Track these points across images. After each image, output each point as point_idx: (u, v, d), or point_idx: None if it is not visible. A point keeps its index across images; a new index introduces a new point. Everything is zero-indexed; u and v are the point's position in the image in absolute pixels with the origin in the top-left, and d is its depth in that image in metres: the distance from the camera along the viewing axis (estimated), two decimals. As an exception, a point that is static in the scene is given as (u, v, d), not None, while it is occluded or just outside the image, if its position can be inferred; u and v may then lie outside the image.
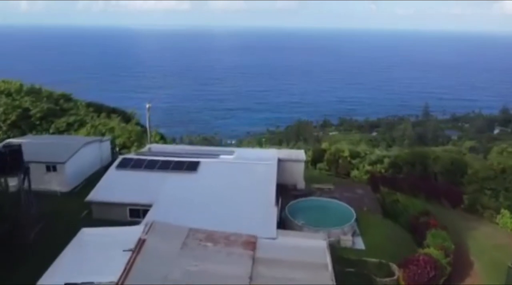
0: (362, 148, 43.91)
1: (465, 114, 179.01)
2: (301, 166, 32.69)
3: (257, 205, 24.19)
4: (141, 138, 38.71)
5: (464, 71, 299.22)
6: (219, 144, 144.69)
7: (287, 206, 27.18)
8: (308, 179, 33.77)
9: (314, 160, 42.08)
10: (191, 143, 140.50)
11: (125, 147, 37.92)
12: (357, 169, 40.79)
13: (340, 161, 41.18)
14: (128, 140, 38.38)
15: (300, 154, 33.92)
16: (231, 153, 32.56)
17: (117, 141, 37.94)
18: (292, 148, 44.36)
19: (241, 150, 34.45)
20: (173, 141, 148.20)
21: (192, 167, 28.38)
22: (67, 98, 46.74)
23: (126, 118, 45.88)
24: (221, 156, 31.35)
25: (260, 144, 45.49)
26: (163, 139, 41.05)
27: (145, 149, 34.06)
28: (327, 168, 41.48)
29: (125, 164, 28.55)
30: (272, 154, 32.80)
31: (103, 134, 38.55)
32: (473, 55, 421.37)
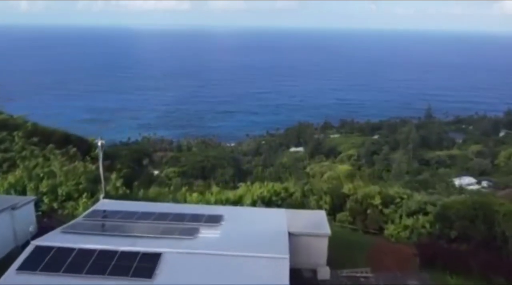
0: (396, 190, 31.40)
1: (469, 116, 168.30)
2: (324, 243, 20.41)
3: None
4: (97, 183, 26.30)
5: (465, 72, 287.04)
6: (217, 146, 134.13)
7: None
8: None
9: (333, 209, 29.78)
10: (189, 145, 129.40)
11: (70, 198, 25.72)
12: (392, 222, 28.53)
13: (369, 211, 28.87)
14: (76, 188, 26.27)
15: (321, 222, 21.44)
16: (217, 222, 20.25)
17: (60, 191, 25.56)
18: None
19: (232, 214, 21.90)
20: (171, 143, 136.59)
21: (147, 268, 16.01)
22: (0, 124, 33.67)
23: (84, 148, 32.94)
24: (201, 233, 19.02)
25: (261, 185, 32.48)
26: (126, 185, 28.53)
27: (96, 206, 22.00)
28: (351, 219, 29.21)
29: (36, 261, 16.19)
30: (279, 223, 20.53)
31: (41, 179, 26.15)
32: (474, 55, 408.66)
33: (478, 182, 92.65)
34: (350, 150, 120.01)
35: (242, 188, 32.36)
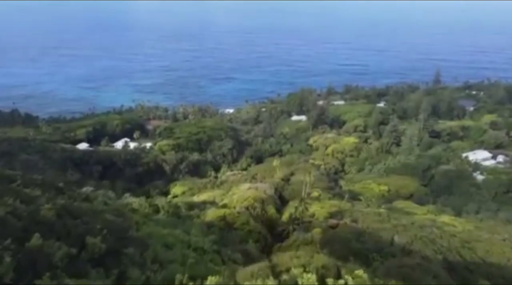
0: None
1: (479, 81, 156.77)
2: None
3: None
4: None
5: (474, 34, 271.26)
6: (215, 114, 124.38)
7: None
8: None
9: None
10: (185, 113, 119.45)
11: None
12: None
13: None
14: None
15: None
16: None
17: None
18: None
19: None
20: (166, 111, 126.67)
21: None
22: None
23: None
24: None
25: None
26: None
27: None
28: None
29: None
30: None
31: None
32: (483, 16, 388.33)
33: (494, 157, 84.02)
34: (356, 120, 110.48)
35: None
